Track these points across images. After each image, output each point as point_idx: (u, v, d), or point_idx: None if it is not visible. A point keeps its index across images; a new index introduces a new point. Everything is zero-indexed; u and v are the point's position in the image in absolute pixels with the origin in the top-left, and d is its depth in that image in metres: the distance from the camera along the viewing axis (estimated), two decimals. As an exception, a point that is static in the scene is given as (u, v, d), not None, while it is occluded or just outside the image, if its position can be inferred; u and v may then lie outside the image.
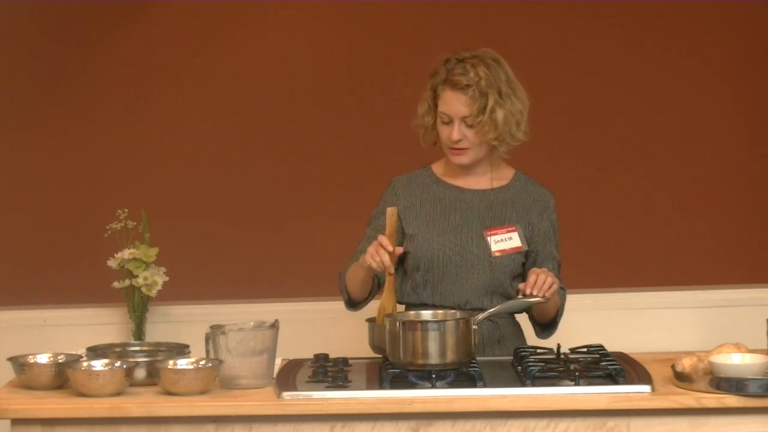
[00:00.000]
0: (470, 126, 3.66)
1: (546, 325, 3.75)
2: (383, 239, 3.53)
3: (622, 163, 5.27)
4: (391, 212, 3.59)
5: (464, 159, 3.71)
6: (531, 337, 3.82)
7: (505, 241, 3.70)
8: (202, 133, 5.29)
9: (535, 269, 3.55)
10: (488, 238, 3.70)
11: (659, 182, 5.27)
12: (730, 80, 5.25)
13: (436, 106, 3.70)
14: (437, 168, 3.82)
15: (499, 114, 3.63)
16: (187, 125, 5.29)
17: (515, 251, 3.70)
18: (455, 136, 3.66)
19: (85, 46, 5.27)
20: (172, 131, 5.30)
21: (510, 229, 3.70)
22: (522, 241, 3.70)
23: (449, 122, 3.67)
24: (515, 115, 3.67)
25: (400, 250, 3.58)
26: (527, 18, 5.24)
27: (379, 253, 3.51)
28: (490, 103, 3.63)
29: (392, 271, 3.56)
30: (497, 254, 3.68)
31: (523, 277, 3.72)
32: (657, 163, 5.27)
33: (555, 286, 3.51)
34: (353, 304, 3.75)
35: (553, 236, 3.76)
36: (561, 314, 3.73)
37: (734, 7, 5.21)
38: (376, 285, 3.73)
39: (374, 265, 3.51)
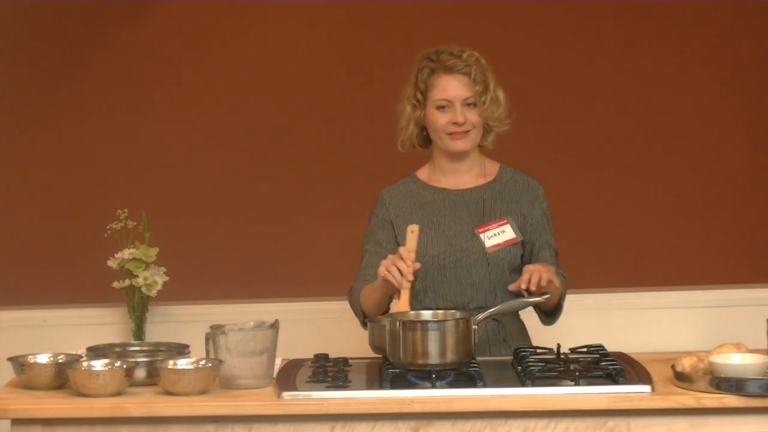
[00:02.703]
0: (471, 104, 3.66)
1: (550, 311, 3.74)
2: (404, 252, 3.50)
3: (621, 163, 5.28)
4: (411, 229, 3.57)
5: (466, 144, 3.70)
6: (535, 336, 3.82)
7: (498, 236, 3.69)
8: (202, 133, 5.30)
9: (528, 267, 3.53)
10: (480, 235, 3.70)
11: (659, 182, 5.27)
12: (729, 80, 5.26)
13: (425, 99, 3.69)
14: (422, 174, 3.82)
15: (500, 93, 3.68)
16: (187, 125, 5.30)
17: (510, 243, 3.69)
18: (459, 118, 3.66)
19: (86, 46, 5.28)
20: (172, 131, 5.30)
21: (501, 222, 3.69)
22: (516, 233, 3.70)
23: (448, 108, 3.67)
24: (505, 102, 3.69)
25: (418, 266, 3.53)
26: (527, 17, 5.25)
27: (398, 264, 3.48)
28: (492, 82, 3.66)
29: (411, 278, 3.50)
30: (492, 249, 3.68)
31: (521, 270, 3.72)
32: (657, 163, 5.27)
33: (549, 277, 3.47)
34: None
35: (547, 224, 3.75)
36: (563, 299, 3.71)
37: (734, 7, 5.22)
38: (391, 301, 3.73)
39: (390, 277, 3.48)
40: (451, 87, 3.67)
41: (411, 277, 3.51)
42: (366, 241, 3.78)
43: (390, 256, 3.53)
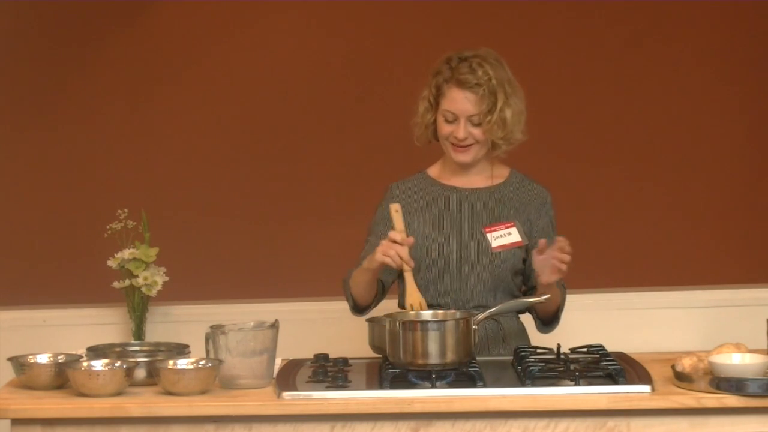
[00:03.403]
0: (477, 125, 3.67)
1: (547, 320, 3.75)
2: (395, 235, 3.53)
3: (621, 162, 5.27)
4: (395, 208, 3.60)
5: (467, 157, 3.72)
6: (535, 336, 3.82)
7: (504, 237, 3.70)
8: (203, 133, 5.29)
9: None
10: (487, 235, 3.70)
11: (659, 182, 5.27)
12: (730, 80, 5.25)
13: (437, 104, 3.71)
14: (432, 171, 3.83)
15: (508, 113, 3.66)
16: (188, 125, 5.30)
17: (515, 246, 3.70)
18: (461, 134, 3.67)
19: (86, 46, 5.27)
20: (173, 131, 5.30)
21: (509, 224, 3.70)
22: (521, 236, 3.71)
23: (454, 120, 3.68)
24: (518, 114, 3.69)
25: (411, 240, 3.56)
26: (528, 17, 5.25)
27: (394, 248, 3.51)
28: (500, 103, 3.65)
29: (412, 264, 3.55)
30: (497, 250, 3.68)
31: (524, 274, 3.72)
32: (657, 162, 5.27)
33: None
34: (359, 309, 3.75)
35: (552, 233, 3.76)
36: (561, 309, 3.73)
37: (734, 7, 5.22)
38: (380, 289, 3.73)
39: (388, 261, 3.51)
40: (459, 101, 3.67)
41: (412, 264, 3.54)
42: (369, 231, 3.79)
43: (384, 242, 3.54)
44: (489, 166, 3.79)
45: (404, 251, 3.52)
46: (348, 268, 3.77)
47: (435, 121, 3.73)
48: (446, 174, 3.81)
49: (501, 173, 3.81)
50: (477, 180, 3.78)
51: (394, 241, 3.52)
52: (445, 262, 3.69)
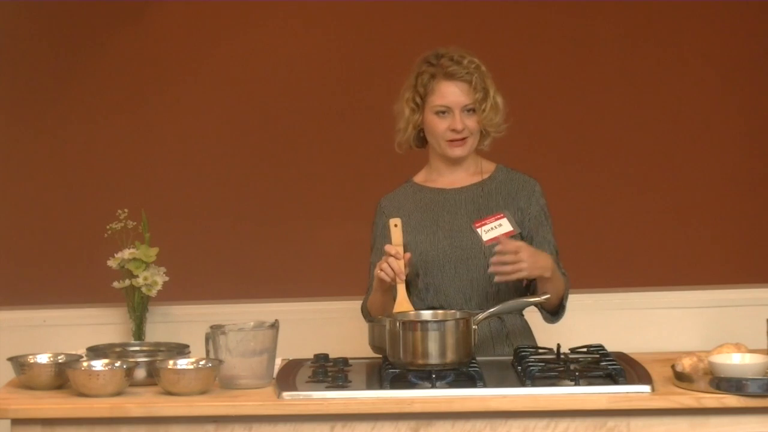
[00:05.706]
0: (471, 111, 3.66)
1: (552, 311, 3.74)
2: (391, 248, 3.54)
3: (621, 163, 5.28)
4: (394, 222, 3.60)
5: (464, 150, 3.71)
6: (539, 334, 3.82)
7: (495, 229, 3.69)
8: (203, 133, 5.30)
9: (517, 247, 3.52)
10: (477, 230, 3.70)
11: (659, 182, 5.28)
12: (730, 80, 5.26)
13: (424, 103, 3.70)
14: (418, 177, 3.83)
15: (499, 98, 3.68)
16: (188, 125, 5.30)
17: (507, 235, 3.68)
18: (458, 125, 3.66)
19: (86, 46, 5.28)
20: (173, 131, 5.31)
21: (498, 216, 3.69)
22: (513, 225, 3.69)
23: (447, 114, 3.67)
24: (503, 107, 3.70)
25: (408, 255, 3.57)
26: (527, 18, 5.25)
27: (389, 262, 3.52)
28: (491, 89, 3.66)
29: (403, 277, 3.55)
30: (490, 243, 3.67)
31: None
32: (657, 163, 5.28)
33: (519, 272, 3.50)
34: None
35: (545, 221, 3.75)
36: (566, 298, 3.71)
37: (734, 7, 5.22)
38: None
39: (383, 275, 3.53)
40: (451, 93, 3.67)
41: (403, 277, 3.54)
42: (371, 254, 3.79)
43: (383, 258, 3.56)
44: (475, 162, 3.79)
45: (397, 264, 3.53)
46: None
47: (422, 123, 3.72)
48: (432, 177, 3.80)
49: (487, 168, 3.80)
50: (463, 178, 3.77)
51: (389, 255, 3.54)
52: (441, 264, 3.69)
